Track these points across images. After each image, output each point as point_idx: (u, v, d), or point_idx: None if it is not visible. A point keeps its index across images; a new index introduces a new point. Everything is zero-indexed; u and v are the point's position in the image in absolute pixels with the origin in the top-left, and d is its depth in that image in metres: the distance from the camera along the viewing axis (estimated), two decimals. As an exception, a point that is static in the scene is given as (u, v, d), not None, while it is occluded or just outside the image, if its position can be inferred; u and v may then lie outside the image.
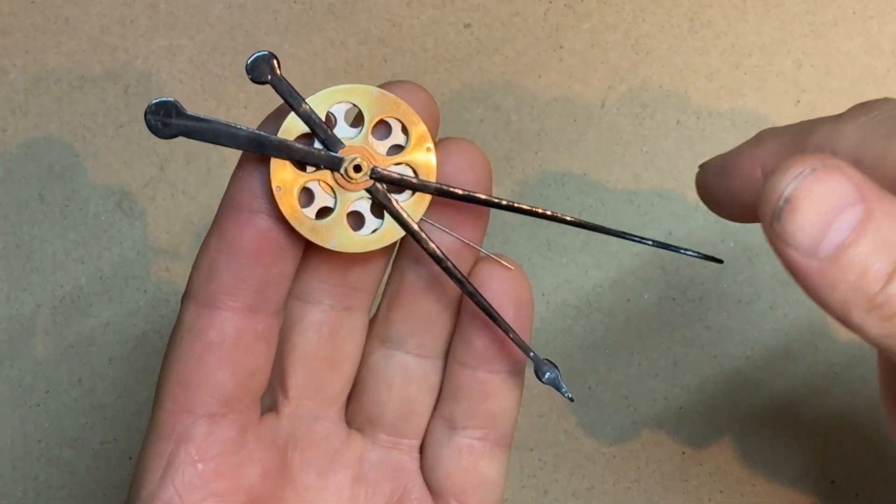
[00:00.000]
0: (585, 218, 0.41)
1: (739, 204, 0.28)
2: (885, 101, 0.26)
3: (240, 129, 0.27)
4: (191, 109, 0.42)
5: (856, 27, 0.42)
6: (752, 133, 0.41)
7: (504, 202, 0.28)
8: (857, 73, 0.41)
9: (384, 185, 0.28)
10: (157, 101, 0.27)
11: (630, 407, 0.40)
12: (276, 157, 0.27)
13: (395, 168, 0.28)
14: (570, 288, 0.41)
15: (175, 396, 0.28)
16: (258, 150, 0.27)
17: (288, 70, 0.42)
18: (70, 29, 0.43)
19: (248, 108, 0.42)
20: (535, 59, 0.42)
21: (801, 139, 0.27)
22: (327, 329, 0.29)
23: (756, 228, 0.40)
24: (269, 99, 0.44)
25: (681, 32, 0.42)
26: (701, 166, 0.29)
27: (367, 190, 0.27)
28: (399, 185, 0.28)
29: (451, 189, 0.28)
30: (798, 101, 0.41)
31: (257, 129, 0.27)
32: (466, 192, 0.28)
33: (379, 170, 0.27)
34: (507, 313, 0.29)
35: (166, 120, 0.27)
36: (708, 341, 0.40)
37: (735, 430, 0.40)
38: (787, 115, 0.41)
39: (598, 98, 0.42)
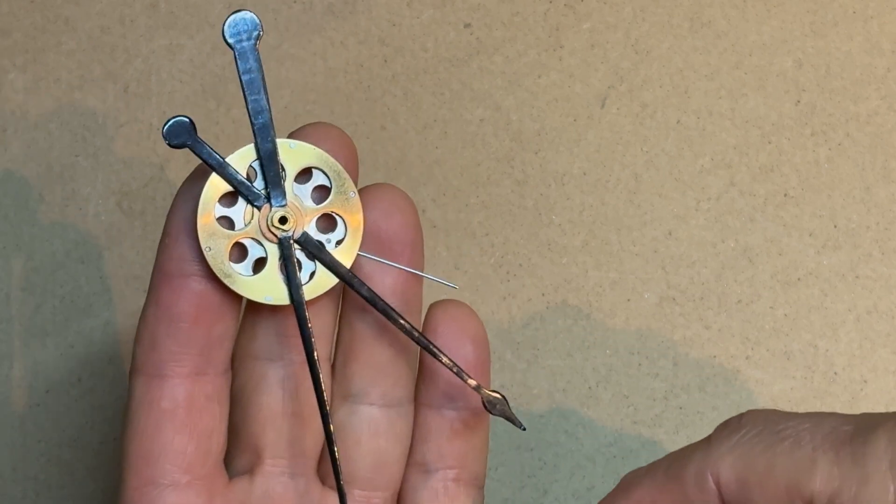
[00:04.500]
0: (585, 218, 0.41)
1: None
2: (750, 414, 0.27)
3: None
4: (191, 110, 0.42)
5: (856, 27, 0.42)
6: (753, 133, 0.41)
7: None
8: (857, 73, 0.41)
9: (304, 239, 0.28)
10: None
11: (630, 407, 0.40)
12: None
13: (320, 219, 0.28)
14: (570, 288, 0.41)
15: (138, 470, 0.28)
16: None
17: (288, 70, 0.42)
18: (70, 28, 0.43)
19: (248, 107, 0.42)
20: (536, 59, 0.42)
21: (676, 474, 0.27)
22: (291, 384, 0.29)
23: (756, 228, 0.40)
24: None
25: (681, 32, 0.42)
26: None
27: (296, 241, 0.28)
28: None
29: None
30: (798, 101, 0.41)
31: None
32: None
33: (297, 238, 0.28)
34: (467, 350, 0.29)
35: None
36: (708, 341, 0.40)
37: (735, 430, 0.40)
38: (787, 114, 0.41)
39: (599, 98, 0.42)
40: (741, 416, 0.27)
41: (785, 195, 0.41)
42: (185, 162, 0.42)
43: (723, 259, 0.41)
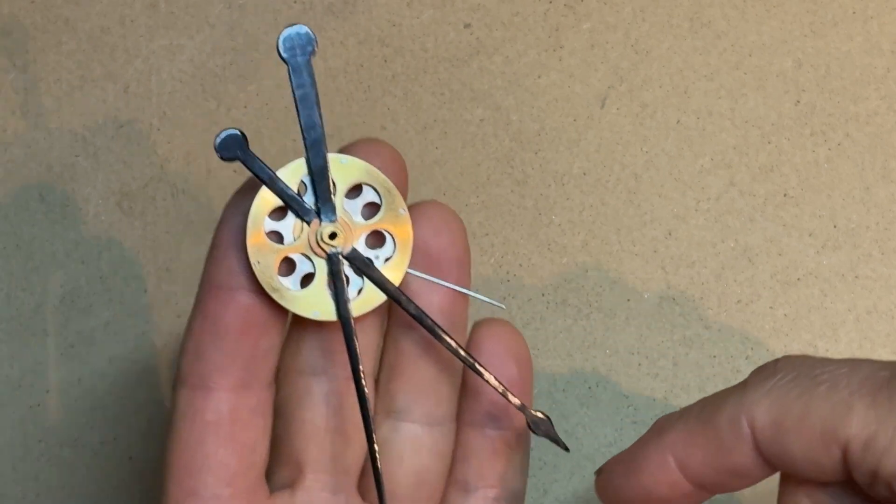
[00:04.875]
0: (585, 218, 0.41)
1: (654, 499, 0.28)
2: (786, 359, 0.27)
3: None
4: (190, 110, 0.42)
5: (856, 27, 0.42)
6: (753, 133, 0.41)
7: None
8: (856, 73, 0.41)
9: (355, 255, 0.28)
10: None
11: (630, 407, 0.40)
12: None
13: (369, 235, 0.28)
14: (570, 288, 0.41)
15: (180, 481, 0.27)
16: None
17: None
18: (70, 29, 0.43)
19: (249, 108, 0.42)
20: (535, 59, 0.42)
21: (709, 418, 0.27)
22: (335, 400, 0.29)
23: (756, 228, 0.41)
24: (268, 99, 0.44)
25: (681, 32, 0.42)
26: (599, 471, 0.29)
27: (345, 257, 0.28)
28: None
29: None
30: (798, 101, 0.41)
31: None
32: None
33: (346, 254, 0.28)
34: (510, 370, 0.29)
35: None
36: (708, 341, 0.40)
37: (735, 430, 0.40)
38: (787, 114, 0.41)
39: (598, 98, 0.42)
40: (776, 361, 0.27)
41: (785, 195, 0.41)
42: (186, 163, 0.42)
43: (722, 259, 0.41)
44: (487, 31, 0.42)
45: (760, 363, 0.40)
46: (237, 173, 0.42)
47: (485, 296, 0.30)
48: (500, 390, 0.28)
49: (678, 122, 0.42)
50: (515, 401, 0.28)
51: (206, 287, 0.27)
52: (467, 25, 0.42)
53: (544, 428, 0.29)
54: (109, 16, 0.43)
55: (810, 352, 0.40)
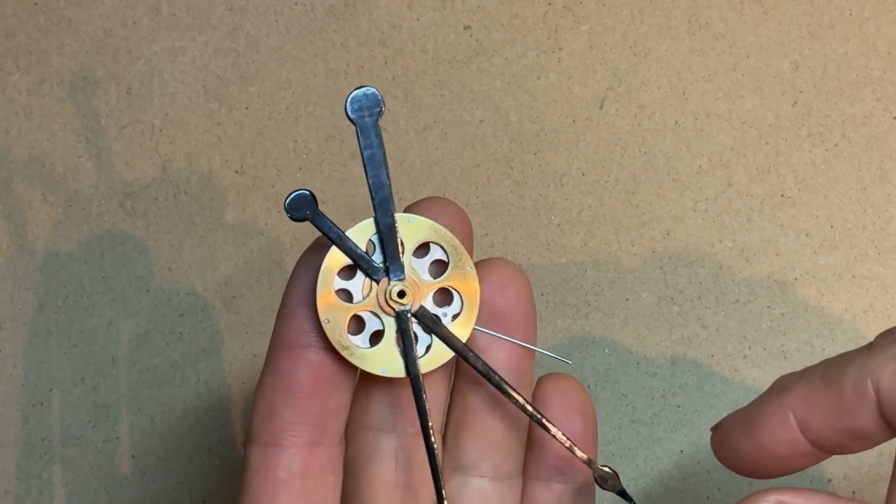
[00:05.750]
0: (584, 218, 0.41)
1: (771, 457, 0.28)
2: None
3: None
4: (192, 111, 0.42)
5: (852, 29, 0.42)
6: (750, 134, 0.41)
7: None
8: (853, 75, 0.42)
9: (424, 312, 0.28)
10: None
11: (628, 405, 0.40)
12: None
13: (437, 293, 0.28)
14: (570, 287, 0.41)
15: None
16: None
17: (289, 72, 0.42)
18: (73, 30, 0.43)
19: (250, 109, 0.42)
20: (535, 61, 0.42)
21: (833, 379, 0.27)
22: (404, 455, 0.29)
23: (753, 228, 0.41)
24: (269, 101, 0.45)
25: (679, 34, 0.42)
26: (716, 427, 0.29)
27: (413, 315, 0.28)
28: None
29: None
30: (795, 103, 0.42)
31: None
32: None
33: (414, 312, 0.28)
34: (576, 424, 0.29)
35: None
36: (705, 340, 0.40)
37: (732, 429, 0.40)
38: (784, 115, 0.41)
39: (597, 99, 0.42)
40: None
41: (782, 196, 0.41)
42: (188, 164, 0.42)
43: (720, 259, 0.41)
44: (487, 33, 0.42)
45: (758, 363, 0.40)
46: (238, 174, 0.42)
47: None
48: (567, 445, 0.28)
49: (676, 123, 0.42)
50: (582, 455, 0.29)
51: (278, 345, 0.28)
52: (467, 27, 0.43)
53: (611, 482, 0.29)
54: (112, 18, 0.43)
55: (807, 351, 0.40)
